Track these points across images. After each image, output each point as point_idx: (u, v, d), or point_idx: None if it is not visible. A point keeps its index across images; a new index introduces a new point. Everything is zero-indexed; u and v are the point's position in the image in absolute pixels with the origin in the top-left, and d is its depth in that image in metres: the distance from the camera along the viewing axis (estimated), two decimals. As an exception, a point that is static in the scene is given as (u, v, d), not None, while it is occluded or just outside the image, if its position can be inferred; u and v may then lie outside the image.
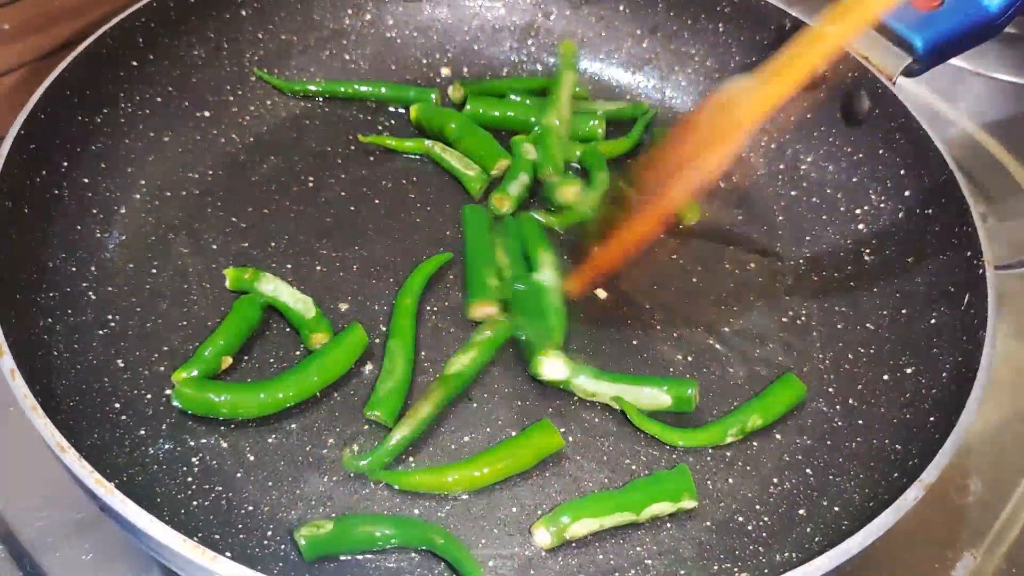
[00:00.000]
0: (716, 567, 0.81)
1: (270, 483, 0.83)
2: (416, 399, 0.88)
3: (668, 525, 0.84)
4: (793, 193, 1.11)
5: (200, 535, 0.77)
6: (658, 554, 0.82)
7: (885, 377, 0.93)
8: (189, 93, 1.11)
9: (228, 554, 0.67)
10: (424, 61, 1.23)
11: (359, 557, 0.79)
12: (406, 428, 0.85)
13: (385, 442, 0.84)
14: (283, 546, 0.79)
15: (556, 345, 0.92)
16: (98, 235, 0.98)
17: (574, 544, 0.82)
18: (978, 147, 1.33)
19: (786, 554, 0.81)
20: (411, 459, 0.86)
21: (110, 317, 0.93)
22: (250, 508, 0.82)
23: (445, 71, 1.23)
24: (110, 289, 0.95)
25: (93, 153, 1.00)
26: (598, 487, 0.86)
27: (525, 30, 1.24)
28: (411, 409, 0.86)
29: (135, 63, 1.06)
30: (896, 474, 0.82)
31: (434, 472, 0.84)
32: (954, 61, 1.11)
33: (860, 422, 0.91)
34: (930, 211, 0.98)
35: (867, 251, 1.03)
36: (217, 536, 0.78)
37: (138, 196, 1.03)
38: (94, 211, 0.98)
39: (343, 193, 1.08)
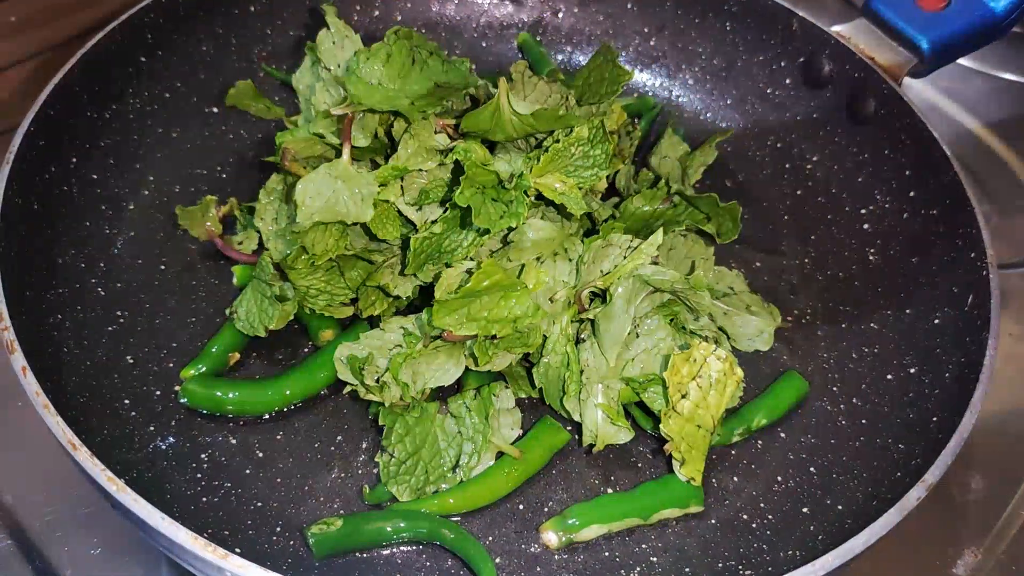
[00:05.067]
0: (721, 565, 0.82)
1: (279, 480, 0.84)
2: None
3: (674, 523, 0.85)
4: (799, 192, 1.11)
5: (209, 531, 0.77)
6: (663, 551, 0.83)
7: (889, 377, 0.94)
8: (198, 89, 1.11)
9: (238, 550, 0.67)
10: (431, 58, 1.23)
11: (368, 552, 0.80)
12: None
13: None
14: (292, 542, 0.80)
15: None
16: (107, 231, 0.98)
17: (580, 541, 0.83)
18: (983, 146, 1.33)
19: (790, 552, 0.82)
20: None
21: (119, 313, 0.93)
22: (259, 504, 0.82)
23: (452, 68, 1.22)
24: (119, 285, 0.95)
25: (102, 149, 1.01)
26: (604, 485, 0.87)
27: (533, 27, 1.24)
28: None
29: (144, 59, 1.06)
30: (899, 473, 0.83)
31: (460, 491, 0.83)
32: (960, 60, 1.11)
33: (864, 421, 0.91)
34: (935, 212, 0.99)
35: (872, 251, 1.03)
36: (227, 532, 0.79)
37: (147, 192, 1.03)
38: (103, 207, 0.99)
39: (350, 190, 1.07)
